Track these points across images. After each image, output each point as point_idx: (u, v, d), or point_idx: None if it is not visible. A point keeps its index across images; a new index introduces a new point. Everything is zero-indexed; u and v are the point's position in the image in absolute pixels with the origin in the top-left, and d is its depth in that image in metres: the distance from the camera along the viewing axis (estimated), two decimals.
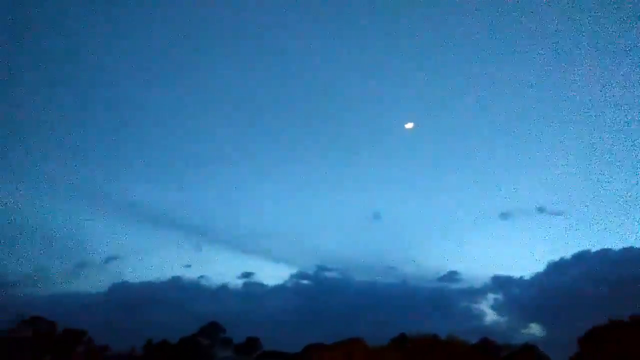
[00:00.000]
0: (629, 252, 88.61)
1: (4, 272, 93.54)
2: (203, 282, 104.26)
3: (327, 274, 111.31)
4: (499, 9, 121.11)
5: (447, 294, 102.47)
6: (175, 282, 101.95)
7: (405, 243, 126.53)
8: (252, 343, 62.58)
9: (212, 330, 61.89)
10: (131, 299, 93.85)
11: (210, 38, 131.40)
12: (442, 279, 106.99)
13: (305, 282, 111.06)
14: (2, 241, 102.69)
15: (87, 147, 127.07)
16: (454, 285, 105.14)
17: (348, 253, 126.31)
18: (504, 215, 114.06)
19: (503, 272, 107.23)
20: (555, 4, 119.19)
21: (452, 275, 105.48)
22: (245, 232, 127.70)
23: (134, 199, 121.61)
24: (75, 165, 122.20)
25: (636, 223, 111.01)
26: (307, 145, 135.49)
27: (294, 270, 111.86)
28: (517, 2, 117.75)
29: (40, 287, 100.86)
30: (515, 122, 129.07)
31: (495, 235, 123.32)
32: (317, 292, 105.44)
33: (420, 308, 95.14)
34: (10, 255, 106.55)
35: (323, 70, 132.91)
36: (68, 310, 77.04)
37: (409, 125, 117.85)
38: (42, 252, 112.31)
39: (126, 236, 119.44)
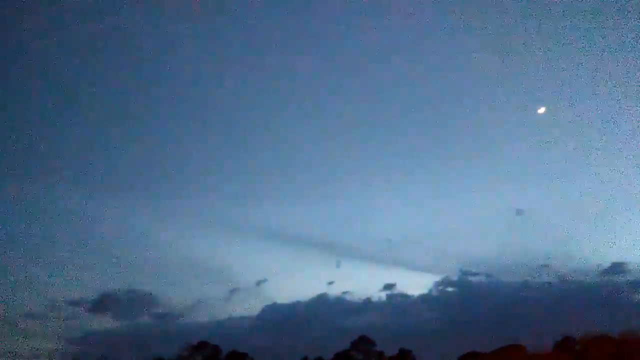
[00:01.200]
0: None
1: (170, 304, 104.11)
2: (347, 297, 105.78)
3: (473, 278, 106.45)
4: None
5: (613, 288, 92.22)
6: (322, 300, 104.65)
7: (555, 237, 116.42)
8: (405, 355, 61.60)
9: (363, 344, 62.13)
10: (282, 319, 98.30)
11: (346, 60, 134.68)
12: (605, 272, 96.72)
13: (450, 289, 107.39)
14: (165, 277, 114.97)
15: (226, 178, 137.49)
16: (621, 278, 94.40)
17: (493, 255, 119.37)
18: None
19: None
20: None
21: (617, 267, 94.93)
22: (383, 244, 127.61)
23: (275, 223, 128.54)
24: (217, 197, 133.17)
25: None
26: (436, 146, 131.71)
27: (437, 278, 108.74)
28: None
29: (201, 315, 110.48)
30: None
31: None
32: (464, 299, 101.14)
33: (583, 307, 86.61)
34: (173, 288, 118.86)
35: (445, 64, 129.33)
36: (227, 335, 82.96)
37: (542, 110, 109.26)
38: (199, 282, 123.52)
39: (272, 259, 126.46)
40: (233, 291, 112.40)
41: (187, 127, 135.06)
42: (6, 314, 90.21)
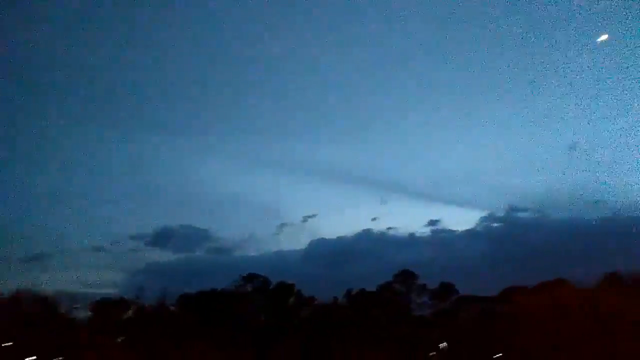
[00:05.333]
0: None
1: (223, 239, 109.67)
2: (392, 232, 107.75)
3: (520, 214, 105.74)
4: None
5: None
6: (366, 235, 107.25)
7: (611, 172, 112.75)
8: (447, 288, 62.78)
9: (406, 277, 63.61)
10: (328, 253, 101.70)
11: None
12: None
13: (496, 224, 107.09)
14: (218, 213, 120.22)
15: (274, 116, 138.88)
16: None
17: (542, 190, 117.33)
18: None
19: None
20: None
21: None
22: (428, 180, 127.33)
23: (321, 158, 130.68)
24: (265, 135, 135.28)
25: None
26: (487, 81, 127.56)
27: (483, 214, 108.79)
28: None
29: (251, 249, 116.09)
30: None
31: None
32: (510, 234, 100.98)
33: (637, 243, 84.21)
34: (226, 223, 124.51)
35: None
36: (276, 267, 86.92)
37: (603, 38, 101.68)
38: (249, 218, 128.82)
39: (319, 195, 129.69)
40: (281, 226, 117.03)
41: (236, 66, 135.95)
42: (74, 247, 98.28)
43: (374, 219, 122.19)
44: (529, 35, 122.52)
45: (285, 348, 49.20)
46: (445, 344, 55.34)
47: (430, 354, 50.87)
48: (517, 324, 41.27)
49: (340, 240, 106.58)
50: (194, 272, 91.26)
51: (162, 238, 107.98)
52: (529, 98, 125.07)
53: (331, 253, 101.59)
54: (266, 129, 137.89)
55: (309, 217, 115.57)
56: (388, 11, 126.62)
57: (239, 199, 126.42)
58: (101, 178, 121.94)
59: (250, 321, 59.06)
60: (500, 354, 43.28)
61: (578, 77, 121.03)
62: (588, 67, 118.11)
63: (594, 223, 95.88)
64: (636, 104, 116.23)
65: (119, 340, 47.66)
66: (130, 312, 60.39)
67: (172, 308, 60.30)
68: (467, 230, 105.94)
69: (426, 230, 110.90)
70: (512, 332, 40.61)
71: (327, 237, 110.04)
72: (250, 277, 65.94)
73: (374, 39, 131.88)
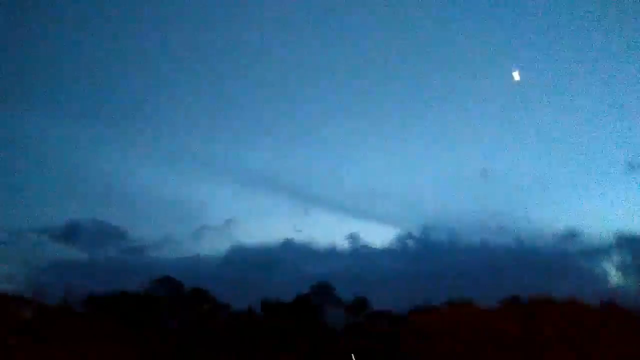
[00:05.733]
0: None
1: (138, 239, 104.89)
2: (312, 244, 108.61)
3: (433, 234, 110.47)
4: None
5: (565, 254, 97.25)
6: (288, 245, 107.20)
7: (517, 201, 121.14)
8: (360, 302, 64.30)
9: (322, 289, 64.46)
10: (248, 260, 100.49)
11: None
12: (559, 238, 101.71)
13: (411, 243, 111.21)
14: (134, 211, 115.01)
15: (201, 117, 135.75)
16: (574, 245, 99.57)
17: (455, 213, 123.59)
18: (632, 166, 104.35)
19: (631, 229, 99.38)
20: None
21: (571, 234, 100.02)
22: (350, 195, 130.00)
23: (247, 164, 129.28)
24: (191, 135, 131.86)
25: None
26: (408, 102, 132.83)
27: (400, 231, 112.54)
28: None
29: (168, 251, 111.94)
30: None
31: (620, 189, 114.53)
32: (423, 254, 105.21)
33: (534, 269, 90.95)
34: (142, 223, 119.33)
35: (417, 24, 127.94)
36: (193, 272, 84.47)
37: (515, 75, 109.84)
38: (167, 218, 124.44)
39: (242, 200, 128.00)
40: (201, 229, 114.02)
41: (161, 62, 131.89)
42: None
43: (297, 230, 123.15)
44: (449, 58, 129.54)
45: (197, 356, 48.02)
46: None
47: None
48: (423, 340, 43.13)
49: (261, 247, 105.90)
50: (104, 272, 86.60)
51: (70, 233, 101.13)
52: (447, 120, 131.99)
53: (251, 260, 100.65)
54: (191, 127, 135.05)
55: (231, 221, 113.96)
56: (316, 20, 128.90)
57: (158, 197, 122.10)
58: (2, 164, 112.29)
59: (160, 326, 56.98)
60: None
61: (493, 104, 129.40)
62: (506, 94, 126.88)
63: (498, 249, 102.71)
64: (539, 136, 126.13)
65: (13, 341, 44.23)
66: (28, 312, 56.30)
67: (77, 309, 56.92)
68: (385, 247, 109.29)
69: (346, 244, 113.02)
70: (418, 348, 42.36)
71: (248, 243, 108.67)
72: (164, 281, 63.76)
73: (301, 49, 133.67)
